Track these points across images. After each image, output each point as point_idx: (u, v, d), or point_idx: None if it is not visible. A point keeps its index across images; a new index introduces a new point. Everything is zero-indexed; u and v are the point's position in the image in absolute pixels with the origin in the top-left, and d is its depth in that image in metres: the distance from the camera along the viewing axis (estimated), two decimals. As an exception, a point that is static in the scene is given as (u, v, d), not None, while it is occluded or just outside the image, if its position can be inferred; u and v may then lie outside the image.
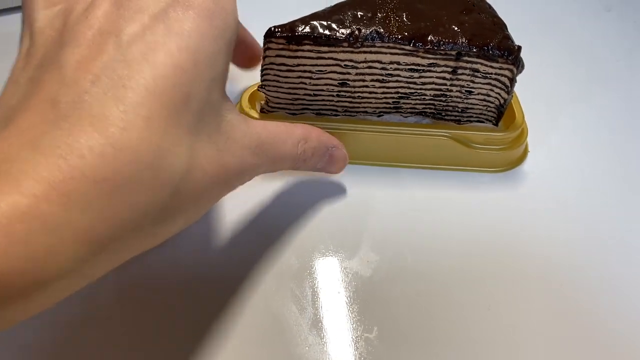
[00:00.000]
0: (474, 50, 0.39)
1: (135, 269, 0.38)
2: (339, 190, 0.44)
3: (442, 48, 0.39)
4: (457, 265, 0.39)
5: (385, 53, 0.40)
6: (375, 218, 0.42)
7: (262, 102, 0.45)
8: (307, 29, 0.39)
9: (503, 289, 0.38)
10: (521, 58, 0.40)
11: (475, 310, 0.36)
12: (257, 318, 0.36)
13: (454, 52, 0.39)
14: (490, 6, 0.43)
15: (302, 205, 0.43)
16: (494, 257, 0.40)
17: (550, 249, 0.40)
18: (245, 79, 0.51)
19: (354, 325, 0.35)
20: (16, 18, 0.59)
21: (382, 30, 0.39)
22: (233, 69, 0.53)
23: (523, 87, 0.44)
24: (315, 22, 0.40)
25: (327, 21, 0.40)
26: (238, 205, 0.42)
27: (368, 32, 0.39)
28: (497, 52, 0.39)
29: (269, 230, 0.41)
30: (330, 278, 0.38)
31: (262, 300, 0.37)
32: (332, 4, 0.42)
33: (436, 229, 0.41)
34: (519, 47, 0.40)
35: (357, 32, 0.39)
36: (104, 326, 0.35)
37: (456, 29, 0.40)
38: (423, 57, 0.40)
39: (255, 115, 0.45)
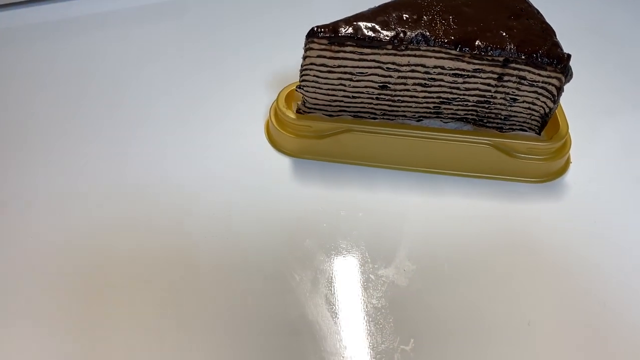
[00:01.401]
0: (522, 57, 0.39)
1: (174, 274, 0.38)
2: (375, 196, 0.43)
3: (489, 54, 0.39)
4: (495, 277, 0.39)
5: (430, 57, 0.40)
6: (412, 226, 0.42)
7: (299, 102, 0.45)
8: (351, 30, 0.39)
9: (543, 304, 0.37)
10: (570, 67, 0.39)
11: (515, 326, 0.36)
12: (290, 325, 0.35)
13: (501, 59, 0.39)
14: (538, 11, 0.42)
15: (337, 210, 0.42)
16: (534, 271, 0.39)
17: (591, 265, 0.40)
18: (282, 78, 0.51)
19: (390, 336, 0.35)
20: (16, 14, 0.59)
21: (427, 33, 0.39)
22: (270, 70, 0.54)
23: (568, 96, 0.43)
24: (358, 23, 0.39)
25: (371, 22, 0.39)
26: (272, 206, 0.42)
27: (413, 34, 0.39)
28: (546, 59, 0.39)
29: (302, 233, 0.41)
30: (365, 286, 0.38)
31: (296, 307, 0.36)
32: (377, 5, 0.41)
33: (474, 239, 0.41)
34: (569, 56, 0.39)
35: (402, 34, 0.39)
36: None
37: (504, 34, 0.39)
38: (469, 63, 0.40)
39: (292, 115, 0.45)
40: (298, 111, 0.45)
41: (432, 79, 0.41)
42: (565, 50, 0.40)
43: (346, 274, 0.38)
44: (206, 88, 0.52)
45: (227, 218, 0.42)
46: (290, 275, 0.38)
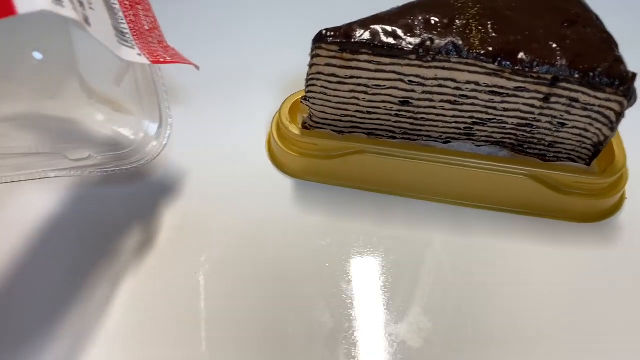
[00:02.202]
0: (576, 75, 0.32)
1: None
2: (388, 230, 0.37)
3: (534, 70, 0.32)
4: (530, 340, 0.32)
5: (462, 71, 0.33)
6: (431, 270, 0.35)
7: (305, 115, 0.39)
8: (366, 35, 0.32)
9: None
10: (634, 88, 0.32)
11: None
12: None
13: (549, 76, 0.32)
14: (597, 17, 0.35)
15: (342, 246, 0.36)
16: (580, 329, 0.33)
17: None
18: (288, 84, 0.44)
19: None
20: None
21: (460, 42, 0.32)
22: (276, 72, 0.47)
23: (628, 121, 0.36)
24: (376, 27, 0.33)
25: (391, 26, 0.33)
26: (266, 239, 0.36)
27: (443, 43, 0.32)
28: (606, 79, 0.32)
29: (300, 274, 0.35)
30: (370, 346, 0.32)
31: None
32: (400, 5, 0.35)
33: (507, 290, 0.34)
34: (634, 75, 0.32)
35: (428, 42, 0.32)
36: None
37: (554, 46, 0.32)
38: (509, 79, 0.33)
39: (296, 130, 0.38)
40: (304, 126, 0.39)
41: (463, 96, 0.34)
42: (629, 66, 0.33)
43: (348, 328, 0.32)
44: (203, 86, 0.46)
45: (204, 248, 0.36)
46: (282, 330, 0.32)
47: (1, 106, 0.28)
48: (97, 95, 0.31)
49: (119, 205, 0.38)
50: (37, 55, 0.25)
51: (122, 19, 0.28)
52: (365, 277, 0.35)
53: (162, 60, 0.30)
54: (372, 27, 0.33)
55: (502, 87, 0.33)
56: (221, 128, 0.43)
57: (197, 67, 0.33)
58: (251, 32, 0.51)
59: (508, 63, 0.32)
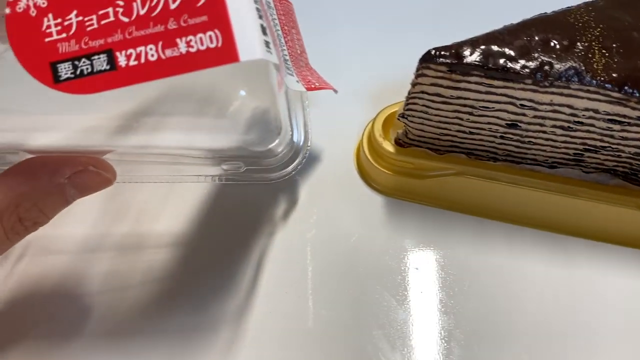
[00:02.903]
0: None
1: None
2: (486, 255, 0.35)
3: (665, 100, 0.29)
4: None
5: (582, 98, 0.31)
6: (533, 301, 0.33)
7: (400, 131, 0.37)
8: (479, 57, 0.30)
9: None
10: None
11: None
12: None
13: (681, 107, 0.30)
14: None
15: (435, 271, 0.35)
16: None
17: None
18: (382, 93, 0.42)
19: None
20: None
21: (582, 67, 0.30)
22: (372, 80, 0.45)
23: None
24: (490, 47, 0.31)
25: (506, 47, 0.31)
26: (358, 270, 0.35)
27: (563, 68, 0.30)
28: None
29: (387, 305, 0.33)
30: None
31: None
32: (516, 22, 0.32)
33: (614, 331, 0.32)
34: None
35: (547, 67, 0.30)
36: None
37: (688, 73, 0.30)
38: (634, 108, 0.30)
39: (390, 148, 0.37)
40: (397, 142, 0.37)
41: (578, 122, 0.32)
42: None
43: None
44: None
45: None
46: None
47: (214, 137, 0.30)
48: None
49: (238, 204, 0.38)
50: (242, 92, 0.26)
51: (284, 46, 0.28)
52: (461, 306, 0.33)
53: (313, 86, 0.30)
54: (484, 47, 0.31)
55: (624, 116, 0.31)
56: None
57: (336, 91, 0.33)
58: (341, 36, 0.49)
59: (636, 92, 0.29)
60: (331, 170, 0.40)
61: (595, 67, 0.30)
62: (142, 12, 0.21)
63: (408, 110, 0.35)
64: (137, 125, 0.29)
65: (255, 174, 0.34)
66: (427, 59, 0.31)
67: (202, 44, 0.20)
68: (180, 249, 0.35)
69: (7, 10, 0.21)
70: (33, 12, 0.21)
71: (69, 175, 0.27)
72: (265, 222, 0.37)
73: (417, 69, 0.32)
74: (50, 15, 0.21)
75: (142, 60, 0.21)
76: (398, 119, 0.36)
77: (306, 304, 0.33)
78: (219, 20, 0.20)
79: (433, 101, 0.33)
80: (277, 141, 0.31)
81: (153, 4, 0.21)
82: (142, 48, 0.21)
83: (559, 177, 0.36)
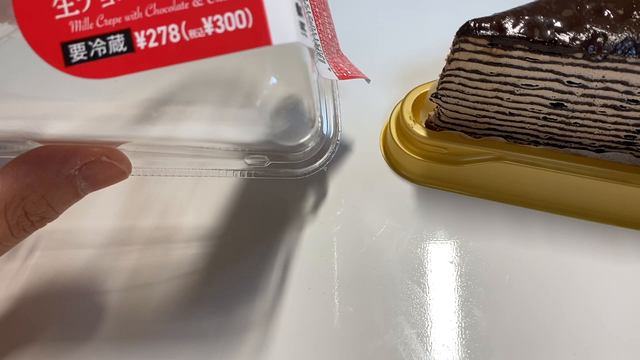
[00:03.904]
0: None
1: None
2: (527, 248, 0.33)
3: None
4: None
5: (639, 73, 0.28)
6: (580, 296, 0.31)
7: (432, 113, 0.35)
8: (523, 28, 0.28)
9: None
10: None
11: None
12: None
13: None
14: None
15: (474, 266, 0.32)
16: None
17: None
18: (410, 73, 0.40)
19: None
20: None
21: (640, 38, 0.27)
22: (398, 59, 0.42)
23: None
24: (535, 18, 0.28)
25: (553, 17, 0.28)
26: (377, 252, 0.33)
27: (619, 40, 0.27)
28: None
29: (420, 302, 0.31)
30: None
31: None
32: (562, -9, 0.30)
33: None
34: None
35: (600, 38, 0.27)
36: None
37: None
38: (698, 84, 0.28)
39: (421, 132, 0.34)
40: (429, 125, 0.35)
41: (633, 101, 0.29)
42: None
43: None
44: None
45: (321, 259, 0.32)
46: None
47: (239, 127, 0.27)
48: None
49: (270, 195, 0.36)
50: (273, 80, 0.24)
51: (315, 29, 0.25)
52: (501, 303, 0.31)
53: (345, 75, 0.27)
54: (528, 17, 0.28)
55: (686, 93, 0.28)
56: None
57: (368, 80, 0.31)
58: (366, 13, 0.47)
59: (701, 65, 0.27)
60: (357, 159, 0.37)
61: (655, 37, 0.27)
62: None
63: (442, 89, 0.32)
64: (156, 115, 0.27)
65: (281, 169, 0.32)
66: (466, 32, 0.28)
67: (230, 24, 0.18)
68: (203, 245, 0.33)
69: None
70: None
71: (79, 166, 0.25)
72: (292, 215, 0.35)
73: (454, 43, 0.29)
74: None
75: (163, 41, 0.19)
76: (430, 100, 0.33)
77: (332, 301, 0.31)
78: None
79: (470, 79, 0.31)
80: (309, 135, 0.28)
81: None
82: (163, 28, 0.19)
83: (607, 162, 0.33)
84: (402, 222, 0.34)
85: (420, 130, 0.34)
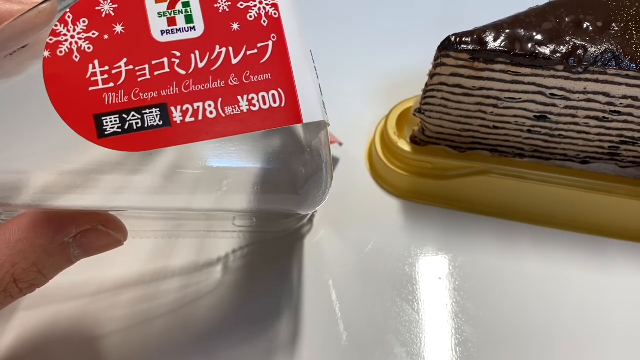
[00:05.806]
0: None
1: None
2: (514, 261, 0.33)
3: None
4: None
5: (620, 84, 0.28)
6: (568, 309, 0.31)
7: (416, 128, 0.35)
8: (504, 42, 0.28)
9: None
10: None
11: None
12: None
13: None
14: None
15: (461, 282, 0.32)
16: None
17: None
18: (395, 88, 0.40)
19: None
20: None
21: (620, 50, 0.28)
22: (383, 74, 0.43)
23: None
24: (516, 31, 0.29)
25: (533, 31, 0.29)
26: (378, 282, 0.33)
27: (598, 52, 0.28)
28: None
29: (409, 319, 0.31)
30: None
31: None
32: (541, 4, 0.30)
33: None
34: None
35: (581, 51, 0.28)
36: None
37: None
38: (678, 94, 0.28)
39: (406, 147, 0.35)
40: (413, 140, 0.35)
41: (615, 112, 0.30)
42: None
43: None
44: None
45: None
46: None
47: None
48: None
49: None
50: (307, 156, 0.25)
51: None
52: (491, 319, 0.31)
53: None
54: (509, 31, 0.29)
55: (667, 103, 0.29)
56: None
57: (341, 144, 0.35)
58: (349, 30, 0.47)
59: (680, 75, 0.27)
60: (343, 175, 0.37)
61: (634, 49, 0.28)
62: (200, 65, 0.20)
63: (425, 104, 0.32)
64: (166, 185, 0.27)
65: (271, 227, 0.34)
66: (447, 46, 0.29)
67: (264, 102, 0.20)
68: (187, 281, 0.33)
69: (47, 54, 0.19)
70: (76, 57, 0.19)
71: (74, 234, 0.25)
72: (275, 237, 0.35)
73: (436, 58, 0.30)
74: (96, 62, 0.19)
75: (200, 117, 0.19)
76: (414, 115, 0.34)
77: (318, 321, 0.31)
78: (284, 78, 0.20)
79: (453, 93, 0.31)
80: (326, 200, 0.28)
81: (213, 57, 0.20)
82: (199, 104, 0.19)
83: (592, 173, 0.33)
84: (389, 238, 0.35)
85: (405, 146, 0.35)
